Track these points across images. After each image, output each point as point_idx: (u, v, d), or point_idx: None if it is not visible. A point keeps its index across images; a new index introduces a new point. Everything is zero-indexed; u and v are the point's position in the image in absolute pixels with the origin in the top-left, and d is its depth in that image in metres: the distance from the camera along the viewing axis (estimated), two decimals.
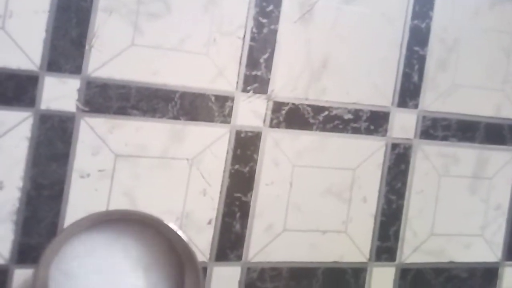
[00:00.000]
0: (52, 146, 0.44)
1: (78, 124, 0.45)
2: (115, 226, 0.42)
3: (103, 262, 0.42)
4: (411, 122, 0.54)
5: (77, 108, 0.44)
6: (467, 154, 0.57)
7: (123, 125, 0.46)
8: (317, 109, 0.52)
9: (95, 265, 0.41)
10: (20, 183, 0.43)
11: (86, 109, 0.44)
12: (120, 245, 0.42)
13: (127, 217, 0.42)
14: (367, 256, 0.54)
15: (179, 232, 0.42)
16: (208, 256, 0.49)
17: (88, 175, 0.45)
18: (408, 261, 0.56)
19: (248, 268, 0.50)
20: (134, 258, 0.42)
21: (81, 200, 0.45)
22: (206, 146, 0.48)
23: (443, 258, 0.57)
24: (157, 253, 0.43)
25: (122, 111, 0.45)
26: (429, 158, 0.56)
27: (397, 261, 0.55)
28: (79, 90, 0.44)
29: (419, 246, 0.56)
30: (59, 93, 0.44)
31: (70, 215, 0.44)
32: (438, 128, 0.56)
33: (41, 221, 0.44)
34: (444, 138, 0.56)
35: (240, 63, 0.48)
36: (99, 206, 0.45)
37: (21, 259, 0.43)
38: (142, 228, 0.43)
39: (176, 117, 0.47)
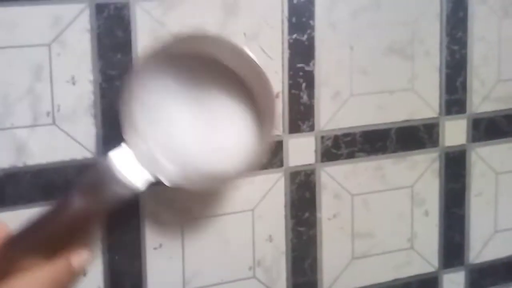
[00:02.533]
0: (113, 36, 0.44)
1: (134, 10, 0.44)
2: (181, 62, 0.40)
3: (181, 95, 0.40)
4: None
5: None
6: None
7: (177, 5, 0.45)
8: None
9: (176, 98, 0.40)
10: (90, 76, 0.43)
11: None
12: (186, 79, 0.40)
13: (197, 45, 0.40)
14: (437, 110, 0.53)
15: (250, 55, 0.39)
16: (281, 129, 0.49)
17: None
18: (479, 110, 0.55)
19: (322, 137, 0.50)
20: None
21: None
22: (260, 17, 0.47)
23: None
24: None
25: None
26: (487, 2, 0.53)
27: (467, 112, 0.54)
28: None
29: (488, 94, 0.55)
30: None
31: None
32: None
33: (118, 112, 0.43)
34: None
35: None
36: None
37: (108, 151, 0.43)
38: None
39: None
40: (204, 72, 0.43)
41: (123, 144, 0.40)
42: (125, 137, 0.40)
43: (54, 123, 0.43)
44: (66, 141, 0.44)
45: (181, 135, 0.42)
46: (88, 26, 0.43)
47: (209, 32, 0.44)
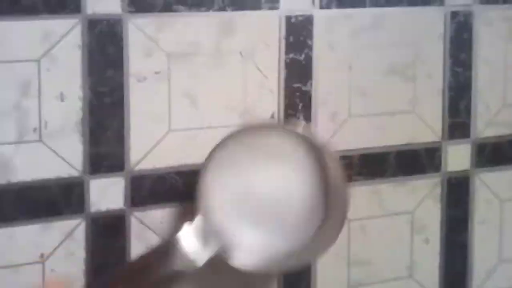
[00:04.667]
0: (105, 52, 0.43)
1: (127, 26, 0.43)
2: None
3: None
4: None
5: (123, 9, 0.42)
6: None
7: (171, 23, 0.44)
8: None
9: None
10: (80, 93, 0.42)
11: (132, 9, 0.42)
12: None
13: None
14: (439, 134, 0.52)
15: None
16: None
17: (145, 78, 0.43)
18: (483, 135, 0.53)
19: None
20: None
21: (142, 104, 0.43)
22: (257, 36, 0.46)
23: None
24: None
25: (167, 8, 0.43)
26: (492, 25, 0.52)
27: (471, 137, 0.53)
28: None
29: (493, 118, 0.54)
30: None
31: (134, 121, 0.43)
32: None
33: (107, 129, 0.43)
34: (505, 1, 0.52)
35: None
36: (160, 109, 0.44)
37: (94, 169, 0.42)
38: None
39: (222, 9, 0.45)
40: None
41: (195, 219, 0.39)
42: (198, 211, 0.39)
43: (40, 139, 0.42)
44: (52, 158, 0.42)
45: (244, 218, 0.41)
46: (79, 42, 0.42)
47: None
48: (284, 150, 0.41)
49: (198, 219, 0.40)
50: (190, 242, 0.39)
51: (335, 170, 0.42)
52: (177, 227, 0.40)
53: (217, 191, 0.40)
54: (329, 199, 0.40)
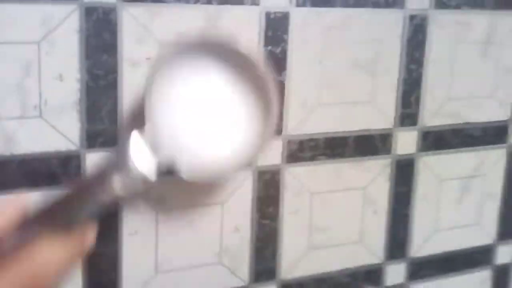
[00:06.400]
0: (101, 38, 0.41)
1: (121, 14, 0.41)
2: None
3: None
4: None
5: None
6: (478, 21, 0.53)
7: (163, 12, 0.42)
8: None
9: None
10: (77, 75, 0.40)
11: None
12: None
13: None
14: (392, 122, 0.52)
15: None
16: None
17: (138, 63, 0.41)
18: (429, 124, 0.54)
19: (289, 141, 0.48)
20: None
21: (134, 87, 0.42)
22: (239, 29, 0.44)
23: (459, 120, 0.55)
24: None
25: None
26: (444, 27, 0.52)
27: (418, 125, 0.53)
28: None
29: (438, 110, 0.54)
30: None
31: (126, 101, 0.42)
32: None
33: (102, 108, 0.41)
34: (457, 7, 0.52)
35: None
36: None
37: (90, 144, 0.41)
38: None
39: (208, 2, 0.43)
40: (212, 68, 0.39)
41: (134, 133, 0.36)
42: (142, 123, 0.35)
43: (41, 116, 0.40)
44: (51, 133, 0.41)
45: (188, 126, 0.39)
46: (77, 27, 0.40)
47: (218, 37, 0.40)
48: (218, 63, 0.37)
49: (147, 128, 0.36)
50: (140, 153, 0.35)
51: (262, 72, 0.38)
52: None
53: (162, 104, 0.37)
54: (266, 105, 0.37)
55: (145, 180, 0.36)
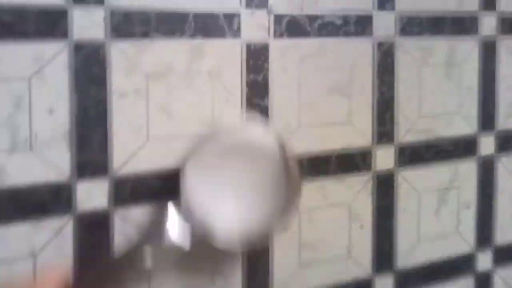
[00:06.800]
0: (90, 72, 0.41)
1: (109, 49, 0.42)
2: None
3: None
4: (391, 22, 0.53)
5: (106, 35, 0.41)
6: (439, 45, 0.56)
7: (149, 47, 0.43)
8: (313, 18, 0.50)
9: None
10: (67, 108, 0.40)
11: (114, 35, 0.41)
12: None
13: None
14: (370, 140, 0.53)
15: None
16: None
17: (126, 94, 0.42)
18: (404, 140, 0.55)
19: None
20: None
21: (123, 118, 0.42)
22: (223, 60, 0.46)
23: (431, 135, 0.57)
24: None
25: (145, 34, 0.43)
26: (409, 52, 0.55)
27: (395, 142, 0.55)
28: (104, 19, 0.42)
29: (411, 127, 0.55)
30: (88, 23, 0.41)
31: (116, 132, 0.42)
32: (413, 25, 0.55)
33: (92, 139, 0.41)
34: (420, 34, 0.55)
35: None
36: (139, 122, 0.43)
37: (80, 174, 0.41)
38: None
39: (193, 36, 0.45)
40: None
41: (170, 204, 0.37)
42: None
43: (31, 149, 0.40)
44: (42, 165, 0.40)
45: (222, 202, 0.40)
46: (66, 63, 0.40)
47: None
48: (253, 146, 0.40)
49: (182, 204, 0.37)
50: (175, 225, 0.36)
51: (294, 165, 0.42)
52: (157, 223, 0.39)
53: (196, 187, 0.38)
54: (290, 187, 0.39)
55: (179, 251, 0.36)
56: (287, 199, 0.41)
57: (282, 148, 0.42)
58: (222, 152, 0.40)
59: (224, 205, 0.40)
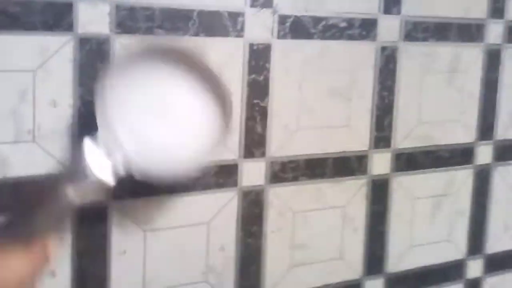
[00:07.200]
0: (93, 66, 0.42)
1: (114, 45, 0.42)
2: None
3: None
4: (396, 26, 0.53)
5: (111, 30, 0.42)
6: (444, 52, 0.56)
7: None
8: (317, 20, 0.50)
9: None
10: (70, 101, 0.41)
11: (119, 30, 0.42)
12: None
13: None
14: (367, 144, 0.54)
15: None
16: (237, 154, 0.48)
17: None
18: (401, 146, 0.56)
19: (271, 162, 0.49)
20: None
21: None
22: (225, 59, 0.46)
23: (429, 142, 0.58)
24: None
25: (149, 31, 0.43)
26: (413, 58, 0.55)
27: (392, 147, 0.55)
28: (110, 14, 0.42)
29: (409, 133, 0.56)
30: (93, 17, 0.41)
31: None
32: (418, 31, 0.54)
33: (93, 133, 0.41)
34: (424, 39, 0.55)
35: None
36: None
37: None
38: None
39: (196, 34, 0.45)
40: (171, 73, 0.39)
41: (87, 140, 0.34)
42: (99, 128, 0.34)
43: (34, 140, 0.41)
44: (44, 156, 0.41)
45: (147, 127, 0.38)
46: (71, 56, 0.41)
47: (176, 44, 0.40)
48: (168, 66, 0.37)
49: (100, 134, 0.34)
50: (95, 159, 0.33)
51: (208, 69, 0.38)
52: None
53: (116, 106, 0.35)
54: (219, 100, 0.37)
55: (103, 184, 0.35)
56: (219, 122, 0.38)
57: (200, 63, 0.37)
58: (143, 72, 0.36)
59: (150, 133, 0.36)
